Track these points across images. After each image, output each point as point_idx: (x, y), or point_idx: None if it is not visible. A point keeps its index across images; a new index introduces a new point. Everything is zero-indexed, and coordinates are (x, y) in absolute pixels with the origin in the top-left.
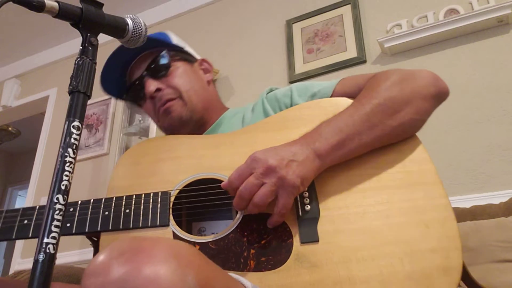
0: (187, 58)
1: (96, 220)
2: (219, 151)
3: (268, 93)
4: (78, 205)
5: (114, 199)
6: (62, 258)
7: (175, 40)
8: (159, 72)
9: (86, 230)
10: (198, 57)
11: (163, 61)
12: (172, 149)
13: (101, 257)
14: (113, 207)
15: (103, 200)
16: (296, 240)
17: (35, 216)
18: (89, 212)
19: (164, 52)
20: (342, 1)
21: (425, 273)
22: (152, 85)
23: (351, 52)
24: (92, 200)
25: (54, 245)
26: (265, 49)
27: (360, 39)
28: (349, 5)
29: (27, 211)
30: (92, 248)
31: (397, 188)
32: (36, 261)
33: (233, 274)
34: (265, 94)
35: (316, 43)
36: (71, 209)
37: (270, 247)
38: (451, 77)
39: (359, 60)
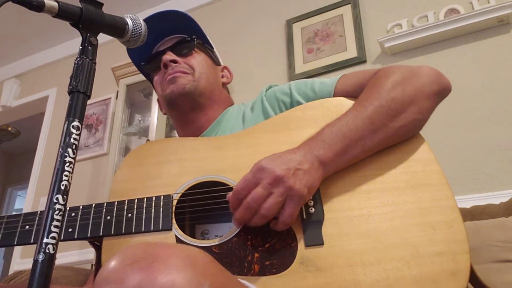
0: (212, 56)
1: (98, 225)
2: (222, 153)
3: (267, 90)
4: (80, 210)
5: (116, 203)
6: (62, 258)
7: (209, 40)
8: (182, 51)
9: (88, 235)
10: (222, 63)
11: (190, 44)
12: (175, 151)
13: (113, 263)
14: (115, 212)
15: (105, 204)
16: (301, 243)
17: (36, 221)
18: (91, 217)
19: (194, 38)
20: (342, 0)
21: (432, 278)
22: (171, 56)
23: (351, 52)
24: (93, 205)
25: (54, 245)
26: (265, 49)
27: (360, 39)
28: (349, 5)
29: (28, 217)
30: (93, 248)
31: (402, 189)
32: (35, 261)
33: (242, 281)
34: (264, 92)
35: (316, 43)
36: (73, 214)
37: (274, 250)
38: (451, 77)
39: (359, 60)
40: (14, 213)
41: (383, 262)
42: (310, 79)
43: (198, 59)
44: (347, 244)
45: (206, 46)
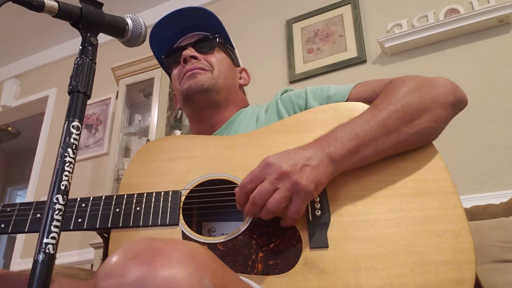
0: (232, 57)
1: (107, 217)
2: (232, 152)
3: (283, 94)
4: (90, 201)
5: (125, 196)
6: (62, 258)
7: (231, 41)
8: (203, 48)
9: (97, 226)
10: (241, 65)
11: (212, 42)
12: (185, 149)
13: (115, 257)
14: (124, 204)
15: (115, 197)
16: (305, 245)
17: None
18: (101, 209)
19: (217, 37)
20: (342, 0)
21: (437, 286)
22: (192, 51)
23: (351, 52)
24: (103, 197)
25: (54, 245)
26: (265, 49)
27: (360, 39)
28: (349, 5)
29: (40, 205)
30: (92, 248)
31: (410, 196)
32: (35, 261)
33: (243, 278)
34: (279, 95)
35: (316, 43)
36: (83, 205)
37: (278, 251)
38: (451, 77)
39: (359, 60)
40: None
41: (387, 268)
42: (326, 85)
43: (218, 58)
44: (351, 248)
45: (227, 46)
